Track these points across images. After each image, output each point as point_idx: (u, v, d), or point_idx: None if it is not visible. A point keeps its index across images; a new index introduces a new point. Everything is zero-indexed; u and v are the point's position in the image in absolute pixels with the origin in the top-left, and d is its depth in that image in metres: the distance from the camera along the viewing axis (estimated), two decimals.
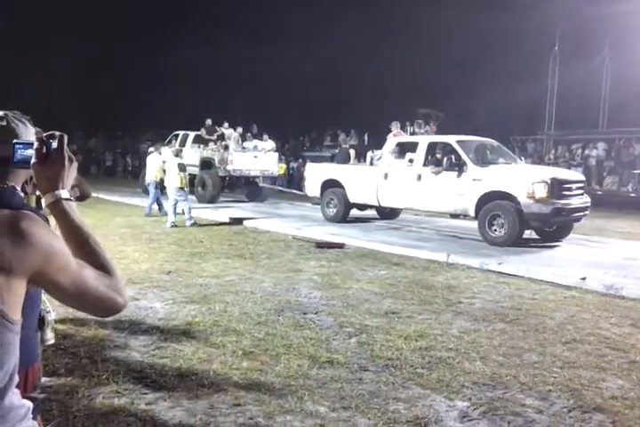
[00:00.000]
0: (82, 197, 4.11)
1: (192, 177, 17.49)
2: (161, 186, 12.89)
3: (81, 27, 30.39)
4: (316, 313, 5.61)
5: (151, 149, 15.00)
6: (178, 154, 12.41)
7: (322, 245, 9.45)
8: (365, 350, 4.55)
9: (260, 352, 4.44)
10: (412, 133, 14.33)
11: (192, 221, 11.59)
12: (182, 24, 31.02)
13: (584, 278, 7.14)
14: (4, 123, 1.89)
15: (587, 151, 21.42)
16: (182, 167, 11.79)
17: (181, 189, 11.67)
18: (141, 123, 29.67)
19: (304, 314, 5.56)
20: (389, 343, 4.71)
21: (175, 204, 11.67)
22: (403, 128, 15.16)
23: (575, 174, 11.30)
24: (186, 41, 29.48)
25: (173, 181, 11.72)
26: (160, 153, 13.53)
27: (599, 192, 19.06)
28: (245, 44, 29.81)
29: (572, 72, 21.98)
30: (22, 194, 2.02)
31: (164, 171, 12.32)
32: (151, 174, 13.22)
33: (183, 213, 11.79)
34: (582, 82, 22.03)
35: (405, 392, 3.78)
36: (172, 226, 11.31)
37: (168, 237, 10.19)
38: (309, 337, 4.82)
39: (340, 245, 9.56)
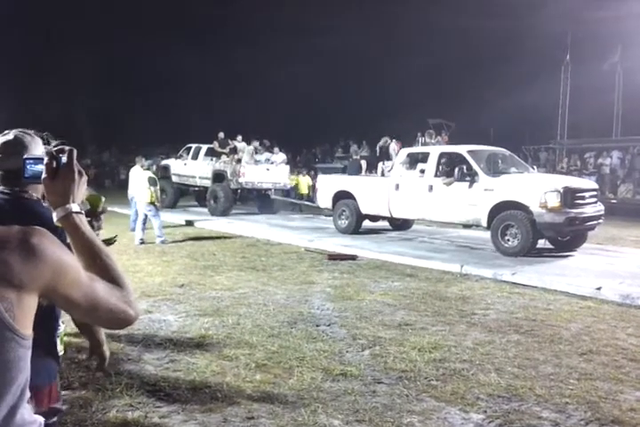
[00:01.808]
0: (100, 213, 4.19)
1: (204, 190, 17.63)
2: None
3: (95, 40, 30.83)
4: (329, 325, 5.59)
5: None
6: (149, 167, 11.72)
7: (334, 257, 9.43)
8: (379, 363, 4.53)
9: (273, 365, 4.43)
10: (424, 144, 14.31)
11: (162, 238, 11.01)
12: (197, 38, 31.39)
13: (599, 288, 7.06)
14: (11, 136, 1.96)
15: (600, 160, 21.29)
16: (153, 181, 11.13)
17: (152, 204, 11.06)
18: (155, 136, 29.94)
19: (317, 326, 5.55)
20: (403, 355, 4.68)
21: (145, 219, 11.12)
22: (414, 138, 15.20)
23: (588, 183, 11.21)
24: (200, 55, 29.80)
25: (143, 195, 11.11)
26: (142, 166, 12.94)
27: (613, 201, 18.91)
28: (258, 57, 30.10)
29: (584, 80, 21.92)
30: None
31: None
32: (134, 188, 12.66)
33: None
34: (594, 90, 21.97)
35: (420, 405, 3.75)
36: (140, 243, 10.77)
37: (181, 250, 10.23)
38: (322, 349, 4.81)
39: (353, 257, 9.54)
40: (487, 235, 10.30)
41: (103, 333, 2.33)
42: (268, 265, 8.80)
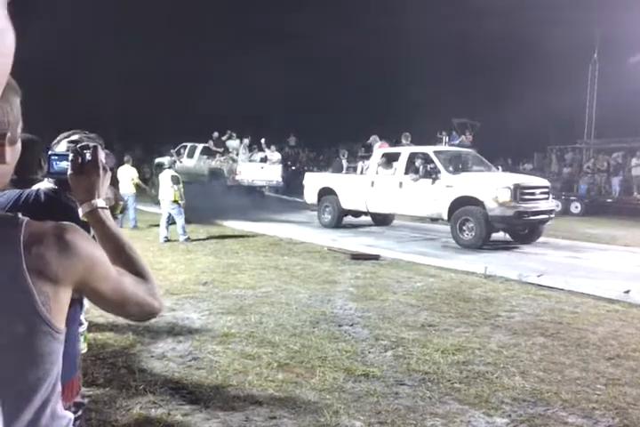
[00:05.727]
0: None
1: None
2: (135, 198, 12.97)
3: (123, 39, 31.16)
4: (352, 325, 5.57)
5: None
6: (171, 166, 11.62)
7: (357, 257, 9.41)
8: (401, 364, 4.50)
9: (295, 364, 4.43)
10: (401, 145, 14.29)
11: (185, 237, 10.98)
12: (221, 35, 31.57)
13: (628, 291, 6.93)
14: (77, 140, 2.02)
15: (634, 160, 20.84)
16: (176, 180, 11.08)
17: (175, 202, 11.02)
18: (178, 135, 30.21)
19: (339, 326, 5.53)
20: (426, 357, 4.64)
21: (168, 217, 11.13)
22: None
23: (539, 180, 12.00)
24: (223, 54, 29.94)
25: (167, 194, 11.11)
26: (132, 165, 13.24)
27: None
28: (278, 55, 30.13)
29: (612, 79, 21.55)
30: None
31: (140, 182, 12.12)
32: (125, 187, 12.81)
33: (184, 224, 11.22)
34: (622, 89, 21.58)
35: (443, 407, 3.71)
36: (164, 241, 10.83)
37: (204, 248, 10.30)
38: (345, 350, 4.79)
39: (376, 257, 9.50)
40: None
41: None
42: (290, 264, 8.81)
